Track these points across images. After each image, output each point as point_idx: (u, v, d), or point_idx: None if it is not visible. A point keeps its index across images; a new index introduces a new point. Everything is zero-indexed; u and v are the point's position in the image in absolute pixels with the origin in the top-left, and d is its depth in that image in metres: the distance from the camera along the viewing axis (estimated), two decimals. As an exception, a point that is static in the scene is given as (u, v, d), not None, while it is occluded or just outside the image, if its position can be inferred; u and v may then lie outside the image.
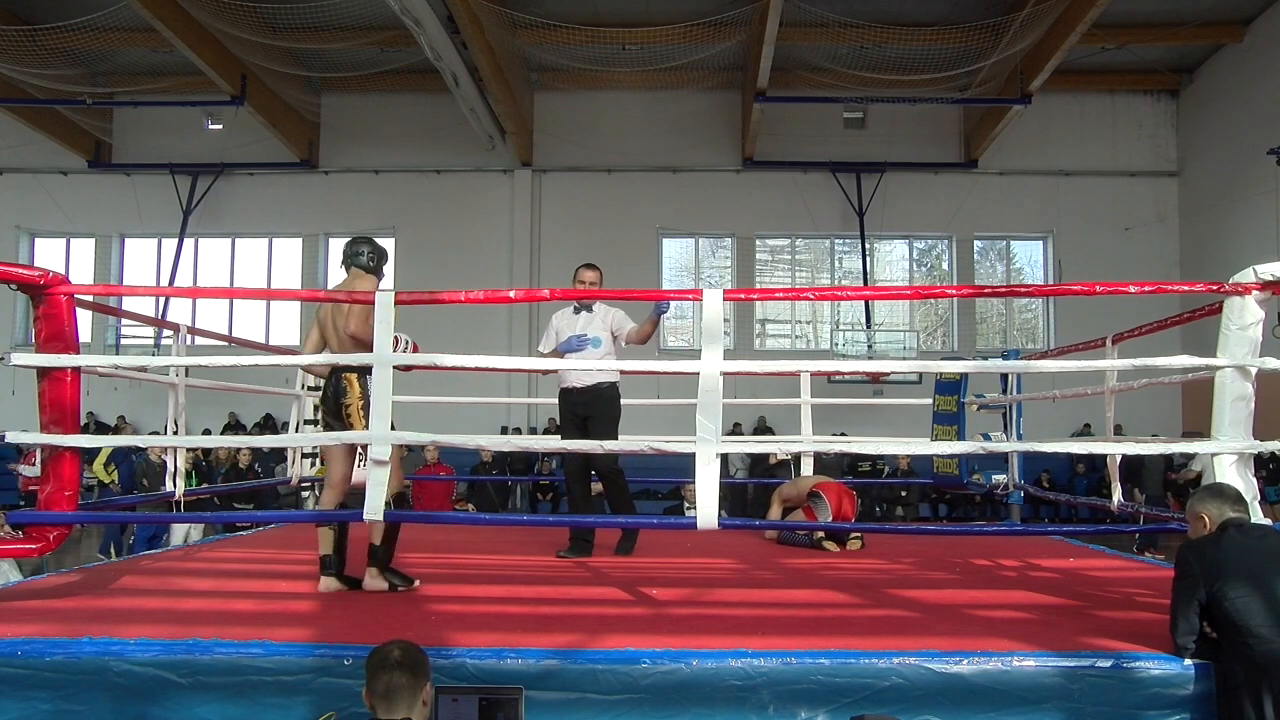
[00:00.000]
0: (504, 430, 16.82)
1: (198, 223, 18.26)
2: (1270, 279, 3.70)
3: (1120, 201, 17.67)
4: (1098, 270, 15.75)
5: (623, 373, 5.39)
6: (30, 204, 18.24)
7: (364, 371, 4.13)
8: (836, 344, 17.13)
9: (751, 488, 12.28)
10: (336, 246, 18.84)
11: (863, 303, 17.70)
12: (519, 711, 2.69)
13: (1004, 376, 7.20)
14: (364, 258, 4.45)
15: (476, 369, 4.58)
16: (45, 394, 3.93)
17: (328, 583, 4.20)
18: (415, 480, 9.78)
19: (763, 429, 16.15)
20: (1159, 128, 17.95)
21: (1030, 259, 18.90)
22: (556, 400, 5.68)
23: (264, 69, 15.77)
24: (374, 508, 3.78)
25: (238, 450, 10.48)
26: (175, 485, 5.88)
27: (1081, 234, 17.60)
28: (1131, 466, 11.34)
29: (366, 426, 4.06)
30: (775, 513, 6.39)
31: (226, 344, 10.19)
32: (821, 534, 5.93)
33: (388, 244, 18.07)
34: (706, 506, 3.69)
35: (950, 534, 7.44)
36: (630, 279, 12.38)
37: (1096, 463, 14.77)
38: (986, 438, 6.69)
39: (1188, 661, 3.00)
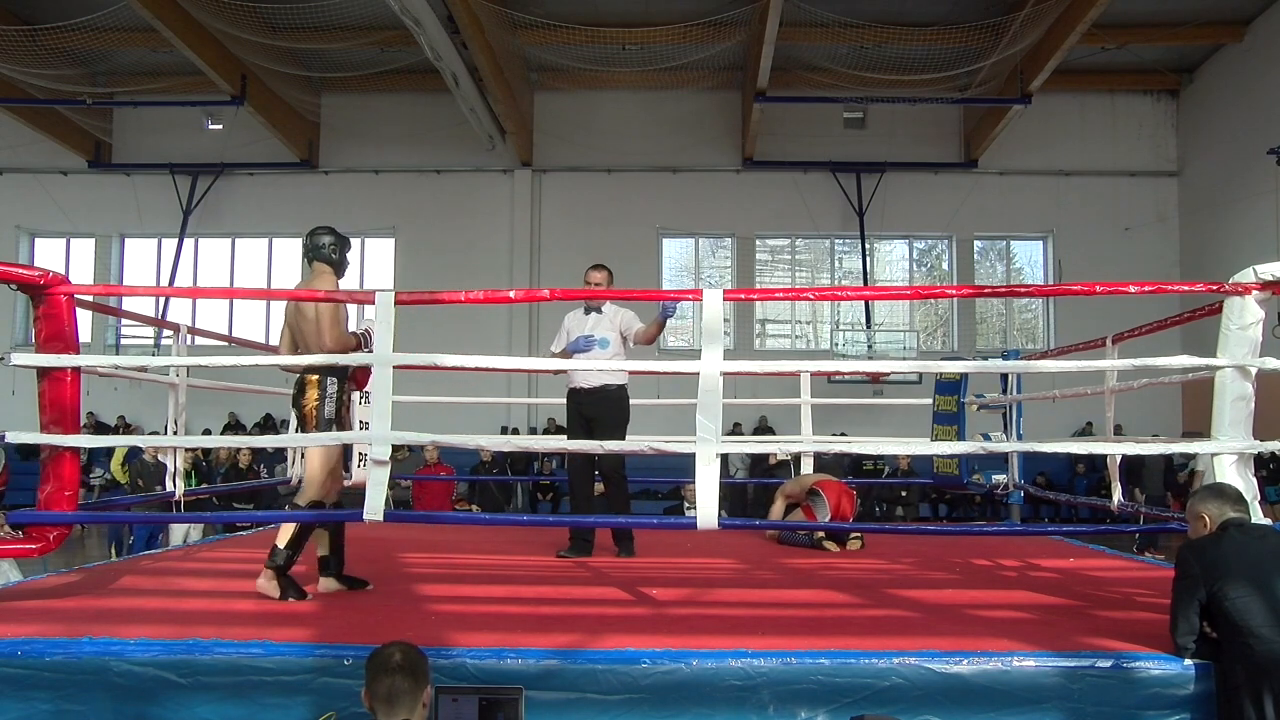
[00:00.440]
0: (504, 430, 16.82)
1: (198, 223, 18.26)
2: (1270, 279, 3.70)
3: (1120, 201, 17.67)
4: (1098, 270, 15.75)
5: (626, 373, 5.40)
6: (30, 204, 18.23)
7: (325, 372, 4.06)
8: (836, 344, 17.13)
9: (751, 488, 12.27)
10: (337, 247, 18.81)
11: (863, 303, 17.70)
12: (519, 711, 2.68)
13: (1004, 376, 7.20)
14: (326, 249, 4.27)
15: (476, 369, 4.58)
16: (45, 394, 3.93)
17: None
18: (415, 480, 9.80)
19: (763, 429, 16.15)
20: (1159, 128, 17.95)
21: (1030, 259, 18.90)
22: (555, 400, 5.69)
23: (264, 69, 15.77)
24: (374, 508, 3.78)
25: (237, 450, 10.48)
26: (175, 485, 5.87)
27: (1081, 234, 17.59)
28: (1132, 466, 11.34)
29: (320, 428, 4.03)
30: (778, 509, 6.39)
31: (226, 344, 10.19)
32: (821, 534, 5.94)
33: (387, 244, 18.33)
34: (706, 506, 3.69)
35: (950, 534, 7.44)
36: (630, 279, 12.33)
37: (1096, 463, 14.77)
38: (986, 438, 6.69)
39: (1188, 661, 3.00)
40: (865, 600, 4.25)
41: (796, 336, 19.03)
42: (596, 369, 5.33)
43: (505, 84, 15.55)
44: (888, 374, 15.30)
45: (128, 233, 18.81)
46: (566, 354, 5.55)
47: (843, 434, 11.96)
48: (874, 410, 13.22)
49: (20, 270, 4.06)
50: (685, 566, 5.29)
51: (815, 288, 16.20)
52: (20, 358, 4.01)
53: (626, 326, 5.52)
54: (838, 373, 13.89)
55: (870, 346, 17.12)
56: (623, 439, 5.41)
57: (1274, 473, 13.27)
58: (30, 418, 4.04)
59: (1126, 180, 17.81)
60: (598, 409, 5.45)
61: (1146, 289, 4.11)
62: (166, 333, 13.36)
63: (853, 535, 5.96)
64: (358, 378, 4.34)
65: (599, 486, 5.79)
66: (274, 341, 5.20)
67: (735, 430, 14.99)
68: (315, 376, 4.09)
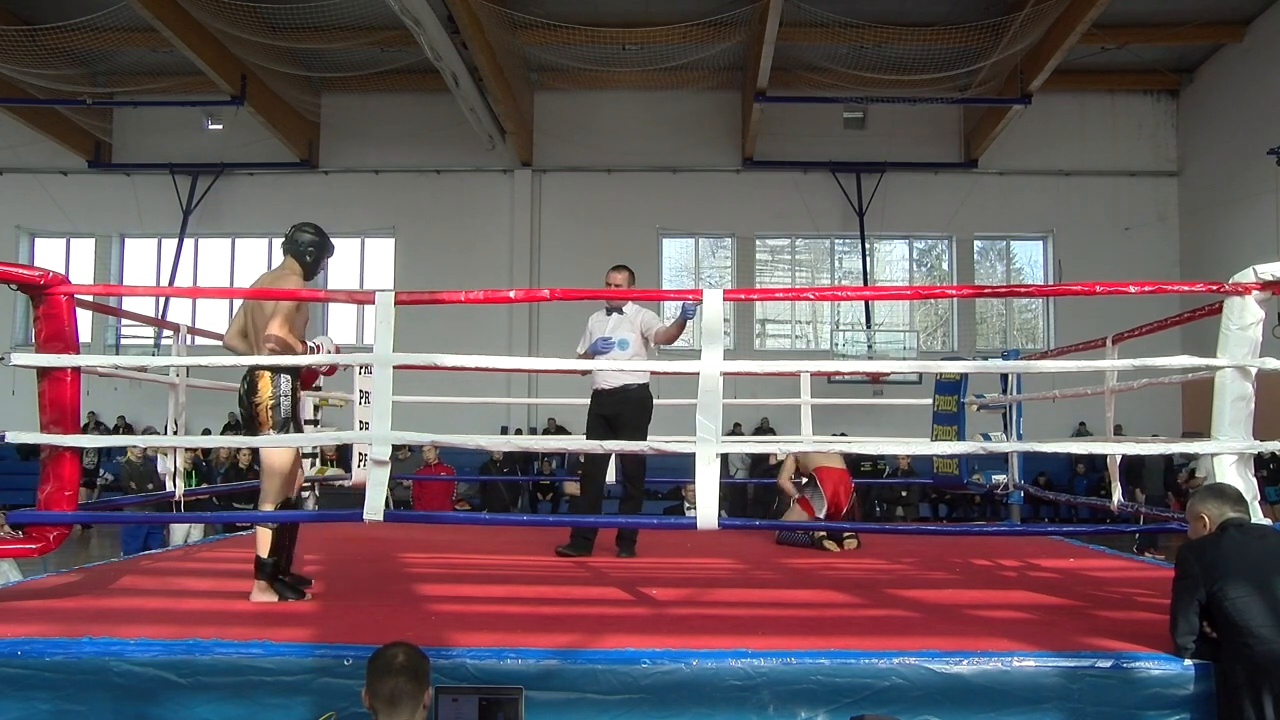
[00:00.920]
0: (504, 430, 16.82)
1: (198, 223, 18.26)
2: (1270, 279, 3.70)
3: (1120, 201, 17.67)
4: (1098, 270, 15.74)
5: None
6: (30, 204, 18.24)
7: (277, 369, 4.01)
8: (836, 344, 17.13)
9: (751, 488, 12.27)
10: (337, 246, 18.73)
11: (863, 303, 17.70)
12: (519, 711, 2.69)
13: (1004, 376, 7.19)
14: (302, 247, 4.22)
15: (476, 369, 4.58)
16: (45, 394, 3.93)
17: (260, 592, 4.05)
18: (415, 480, 9.80)
19: (764, 429, 16.15)
20: (1159, 128, 17.95)
21: (1030, 259, 18.90)
22: (555, 400, 5.70)
23: (264, 69, 15.77)
24: (374, 508, 3.77)
25: (237, 450, 10.47)
26: (175, 485, 5.87)
27: (1081, 234, 17.60)
28: (1132, 466, 11.34)
29: (275, 427, 3.98)
30: (789, 468, 6.38)
31: (226, 344, 10.16)
32: (822, 533, 5.94)
33: (387, 244, 18.33)
34: (706, 506, 3.68)
35: (950, 534, 7.44)
36: (630, 279, 12.35)
37: (1096, 463, 14.76)
38: (986, 438, 6.69)
39: (1188, 661, 3.00)
40: (865, 600, 4.25)
41: (796, 336, 19.03)
42: (614, 369, 5.33)
43: (505, 84, 15.55)
44: (888, 374, 15.31)
45: (128, 233, 18.81)
46: (590, 355, 5.53)
47: (843, 434, 11.96)
48: (874, 410, 13.21)
49: (20, 270, 4.06)
50: (685, 566, 5.29)
51: (815, 288, 16.22)
52: (20, 358, 4.01)
53: (647, 327, 5.52)
54: (838, 373, 13.88)
55: (870, 346, 17.12)
56: (643, 437, 5.38)
57: (1274, 473, 13.27)
58: (30, 418, 4.04)
59: (1126, 180, 17.81)
60: (618, 409, 5.46)
61: (1146, 289, 4.11)
62: (166, 333, 13.36)
63: (847, 535, 5.95)
64: (302, 378, 4.30)
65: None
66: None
67: (735, 430, 14.99)
68: (268, 373, 4.01)
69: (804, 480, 6.48)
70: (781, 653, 3.04)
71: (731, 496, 12.03)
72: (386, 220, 18.16)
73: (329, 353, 4.21)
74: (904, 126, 17.37)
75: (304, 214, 18.54)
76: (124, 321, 16.88)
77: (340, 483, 7.99)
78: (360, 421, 6.57)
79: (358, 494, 4.09)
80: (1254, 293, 3.72)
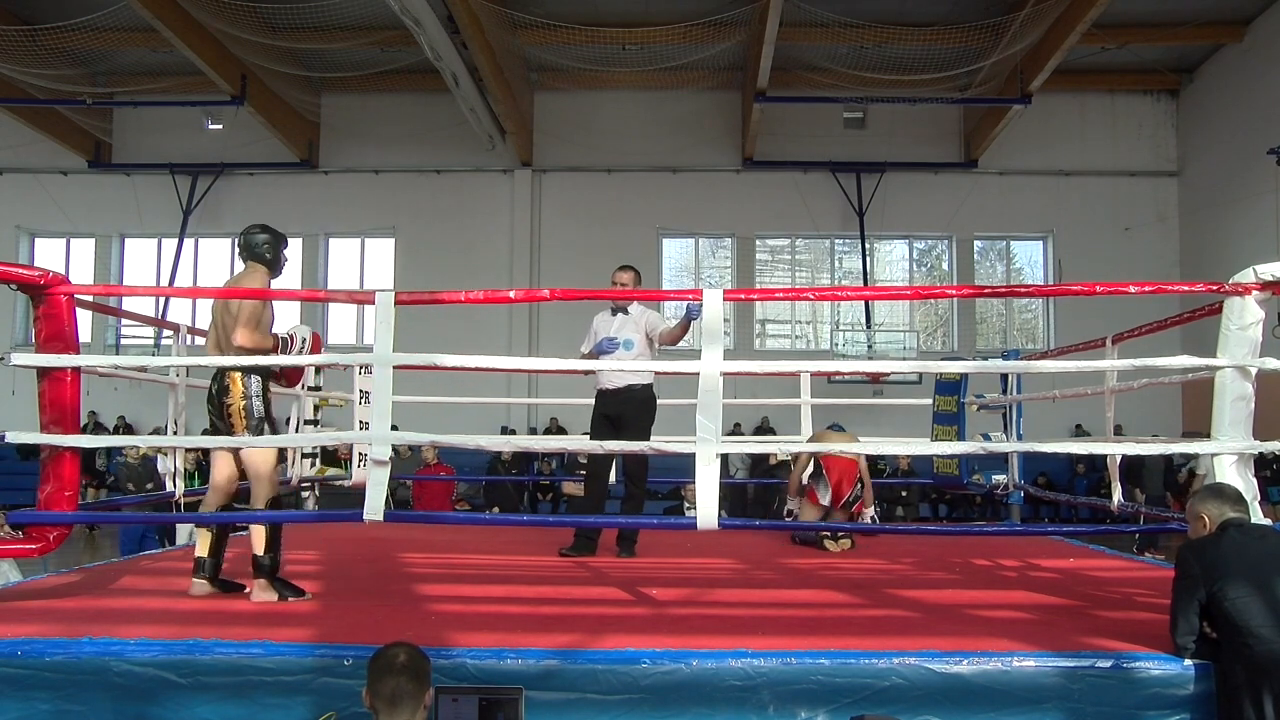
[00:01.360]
0: (504, 430, 16.82)
1: (198, 223, 18.25)
2: (1270, 279, 3.70)
3: (1120, 201, 17.67)
4: (1098, 270, 15.74)
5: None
6: (30, 204, 18.23)
7: (247, 370, 4.01)
8: (836, 344, 17.13)
9: (751, 488, 12.26)
10: (337, 246, 18.86)
11: (863, 303, 17.70)
12: (519, 711, 2.69)
13: (1004, 376, 7.19)
14: (260, 248, 4.19)
15: (476, 369, 4.58)
16: (45, 394, 3.93)
17: (199, 585, 4.07)
18: (415, 480, 9.80)
19: (763, 429, 16.15)
20: (1159, 128, 17.94)
21: (1030, 259, 18.90)
22: (555, 400, 5.70)
23: (264, 69, 15.77)
24: (374, 508, 3.77)
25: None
26: (175, 485, 5.87)
27: (1081, 234, 17.59)
28: (1132, 466, 11.33)
29: (249, 428, 3.98)
30: (804, 464, 6.39)
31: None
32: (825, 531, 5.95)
33: (387, 244, 18.33)
34: (706, 506, 3.69)
35: (950, 534, 7.44)
36: (630, 279, 12.34)
37: (1096, 463, 14.77)
38: (986, 438, 6.69)
39: (1188, 662, 3.00)
40: (865, 600, 4.25)
41: (796, 336, 19.03)
42: (617, 369, 5.34)
43: (505, 84, 15.55)
44: (888, 374, 15.32)
45: (128, 233, 18.81)
46: (594, 355, 5.53)
47: (835, 426, 11.93)
48: (874, 410, 13.21)
49: (20, 270, 4.06)
50: (685, 566, 5.29)
51: (815, 288, 16.23)
52: (20, 358, 4.01)
53: (651, 327, 5.52)
54: (838, 373, 13.87)
55: (870, 346, 17.12)
56: (647, 437, 5.38)
57: (1278, 473, 13.25)
58: (30, 418, 4.04)
59: (1126, 180, 17.81)
60: (623, 409, 5.46)
61: (1146, 289, 4.11)
62: (166, 333, 13.38)
63: (841, 535, 5.97)
64: (288, 375, 4.30)
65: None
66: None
67: (735, 430, 14.99)
68: (238, 374, 4.01)
69: (810, 470, 6.48)
70: (781, 653, 3.04)
71: (731, 496, 12.01)
72: (386, 220, 18.16)
73: (304, 340, 4.16)
74: (904, 126, 17.36)
75: (304, 214, 18.59)
76: (124, 321, 16.88)
77: (340, 483, 8.00)
78: (360, 421, 6.57)
79: (358, 494, 4.09)
80: (1254, 293, 3.72)
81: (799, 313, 18.72)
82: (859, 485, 6.17)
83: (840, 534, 5.94)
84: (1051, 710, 2.98)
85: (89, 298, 4.80)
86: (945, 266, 18.87)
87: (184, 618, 3.58)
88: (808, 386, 7.70)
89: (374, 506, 3.78)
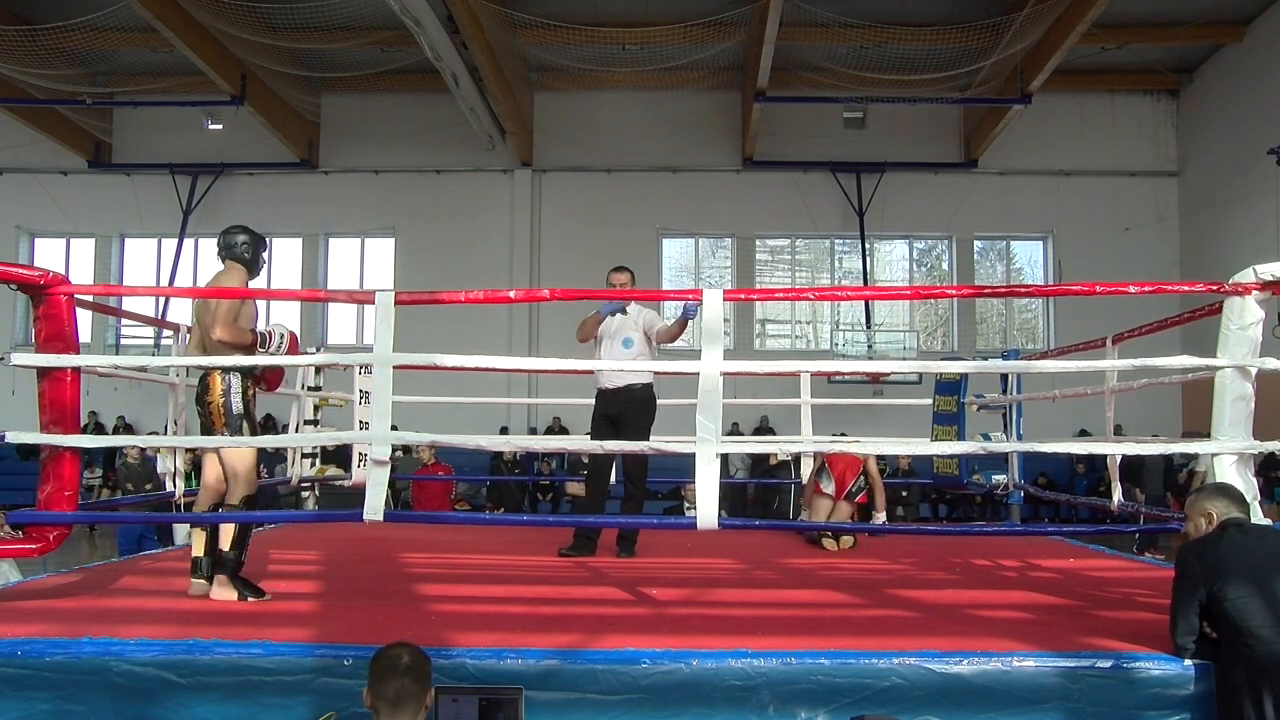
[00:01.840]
0: (504, 430, 16.82)
1: (198, 223, 18.24)
2: (1270, 279, 3.70)
3: (1120, 201, 17.66)
4: (1098, 270, 15.74)
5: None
6: (30, 204, 18.22)
7: (227, 369, 4.04)
8: (836, 344, 17.13)
9: (751, 488, 12.25)
10: (336, 246, 18.86)
11: (863, 303, 17.70)
12: (519, 711, 2.69)
13: (1004, 376, 7.20)
14: (238, 249, 4.28)
15: (476, 369, 4.58)
16: (45, 394, 3.93)
17: (198, 585, 4.07)
18: (415, 480, 9.79)
19: (763, 429, 16.15)
20: (1159, 128, 17.94)
21: (1030, 259, 18.90)
22: (555, 400, 5.70)
23: (264, 69, 15.77)
24: (374, 508, 3.77)
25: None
26: (175, 485, 5.87)
27: (1081, 234, 17.59)
28: (1131, 466, 11.33)
29: (229, 425, 4.00)
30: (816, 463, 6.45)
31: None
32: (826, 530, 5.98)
33: (387, 244, 18.32)
34: (706, 506, 3.69)
35: (950, 534, 7.44)
36: (630, 279, 12.34)
37: (1096, 463, 14.76)
38: (986, 438, 6.69)
39: (1188, 662, 3.01)
40: (865, 600, 4.25)
41: (796, 336, 19.03)
42: (617, 369, 5.35)
43: (505, 84, 15.54)
44: (888, 374, 15.31)
45: (128, 233, 18.81)
46: (599, 319, 5.52)
47: (843, 434, 11.94)
48: (874, 410, 13.21)
49: (20, 270, 4.07)
50: (685, 566, 5.29)
51: (815, 288, 16.21)
52: (20, 358, 4.01)
53: (649, 326, 5.55)
54: (838, 373, 13.88)
55: (870, 346, 17.12)
56: (647, 437, 5.39)
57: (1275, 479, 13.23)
58: (30, 418, 4.04)
59: (1126, 180, 17.81)
60: (623, 408, 5.47)
61: (1146, 289, 4.11)
62: (166, 333, 13.40)
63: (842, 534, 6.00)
64: (268, 378, 4.33)
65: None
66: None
67: (734, 430, 14.98)
68: (217, 372, 4.05)
69: (816, 466, 6.54)
70: (781, 653, 3.04)
71: (731, 496, 12.01)
72: (386, 220, 18.16)
73: (282, 336, 4.18)
74: (904, 126, 17.36)
75: (304, 214, 18.62)
76: (124, 321, 16.87)
77: (340, 482, 8.00)
78: (360, 421, 6.57)
79: (358, 494, 4.09)
80: (1254, 293, 3.72)
81: (799, 313, 18.71)
82: (862, 477, 6.20)
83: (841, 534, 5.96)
84: (1051, 710, 2.98)
85: (89, 298, 4.80)
86: (945, 266, 18.87)
87: (184, 618, 3.58)
88: (808, 386, 7.70)
89: (374, 506, 3.78)
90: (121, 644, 3.07)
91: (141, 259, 18.94)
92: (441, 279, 16.76)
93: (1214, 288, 3.85)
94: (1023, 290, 12.08)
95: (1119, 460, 5.33)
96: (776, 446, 6.19)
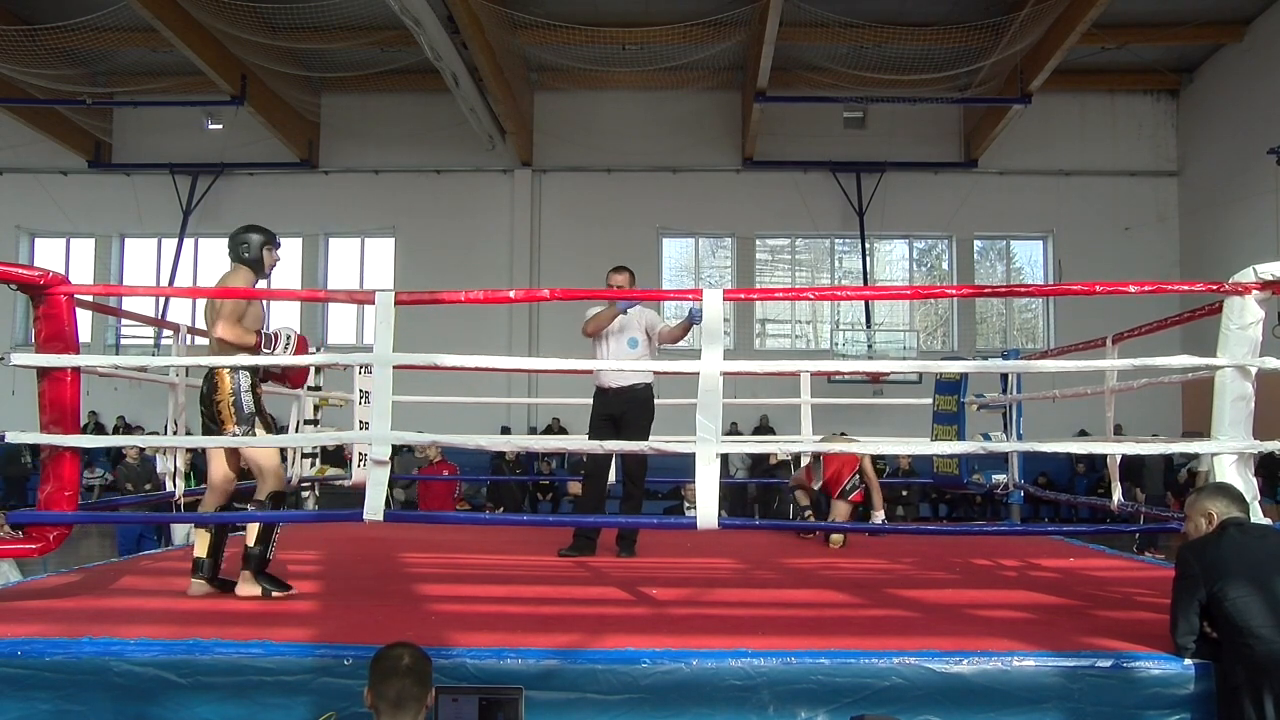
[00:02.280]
0: (504, 430, 16.81)
1: (198, 223, 18.25)
2: (1270, 279, 3.70)
3: (1120, 201, 17.66)
4: (1098, 270, 15.73)
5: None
6: (30, 204, 18.22)
7: (235, 367, 4.03)
8: (836, 344, 17.13)
9: (751, 488, 12.27)
10: (336, 246, 18.86)
11: (863, 303, 17.70)
12: (519, 711, 2.69)
13: (1004, 376, 7.19)
14: (241, 248, 4.24)
15: (476, 369, 4.58)
16: (45, 394, 3.93)
17: (198, 586, 4.07)
18: (419, 480, 9.80)
19: (763, 429, 16.15)
20: (1159, 128, 17.94)
21: (1030, 259, 18.90)
22: (555, 400, 5.70)
23: (264, 69, 15.77)
24: (374, 508, 3.77)
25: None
26: (175, 485, 5.87)
27: (1081, 234, 17.59)
28: (1132, 466, 11.34)
29: (239, 423, 4.00)
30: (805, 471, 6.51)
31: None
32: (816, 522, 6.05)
33: (387, 244, 18.32)
34: (706, 506, 3.69)
35: (950, 534, 7.44)
36: (630, 279, 12.33)
37: (1096, 463, 14.76)
38: (986, 438, 6.69)
39: (1188, 661, 3.00)
40: (865, 600, 4.25)
41: (796, 336, 19.03)
42: (616, 368, 5.35)
43: (505, 84, 15.54)
44: (888, 374, 15.30)
45: (128, 233, 18.81)
46: (615, 314, 5.48)
47: (843, 434, 11.94)
48: (874, 410, 13.20)
49: (20, 270, 4.06)
50: (685, 566, 5.29)
51: (815, 288, 16.21)
52: (20, 358, 4.01)
53: (651, 326, 5.56)
54: (838, 373, 13.89)
55: (870, 346, 17.12)
56: (647, 437, 5.40)
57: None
58: (30, 418, 4.04)
59: (1126, 180, 17.81)
60: (624, 408, 5.48)
61: (1146, 289, 4.11)
62: (166, 333, 13.40)
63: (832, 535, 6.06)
64: (291, 377, 4.32)
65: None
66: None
67: (733, 430, 14.98)
68: (225, 371, 4.04)
69: (809, 459, 6.59)
70: (781, 653, 3.04)
71: (731, 496, 12.03)
72: (386, 220, 18.15)
73: (289, 338, 4.15)
74: (904, 126, 17.36)
75: (304, 214, 18.63)
76: (124, 321, 16.87)
77: (340, 482, 8.00)
78: (360, 421, 6.57)
79: (358, 494, 4.09)
80: (1254, 292, 3.72)
81: (799, 313, 18.71)
82: (856, 475, 6.22)
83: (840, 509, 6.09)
84: (1051, 710, 2.98)
85: (89, 298, 4.80)
86: (945, 266, 18.87)
87: (184, 618, 3.58)
88: (808, 386, 7.70)
89: (374, 506, 3.78)
90: (121, 644, 3.07)
91: (141, 259, 18.94)
92: (441, 279, 16.75)
93: (1214, 287, 3.85)
94: (1023, 290, 12.10)
95: (1119, 460, 5.33)
96: (776, 446, 6.20)
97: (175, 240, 18.19)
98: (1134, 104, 17.90)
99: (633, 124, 17.75)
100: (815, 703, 2.96)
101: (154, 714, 2.97)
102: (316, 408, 7.74)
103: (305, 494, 8.57)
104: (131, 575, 4.75)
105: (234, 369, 4.04)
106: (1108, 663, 3.02)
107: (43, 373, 3.92)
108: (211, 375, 4.08)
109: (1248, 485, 3.63)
